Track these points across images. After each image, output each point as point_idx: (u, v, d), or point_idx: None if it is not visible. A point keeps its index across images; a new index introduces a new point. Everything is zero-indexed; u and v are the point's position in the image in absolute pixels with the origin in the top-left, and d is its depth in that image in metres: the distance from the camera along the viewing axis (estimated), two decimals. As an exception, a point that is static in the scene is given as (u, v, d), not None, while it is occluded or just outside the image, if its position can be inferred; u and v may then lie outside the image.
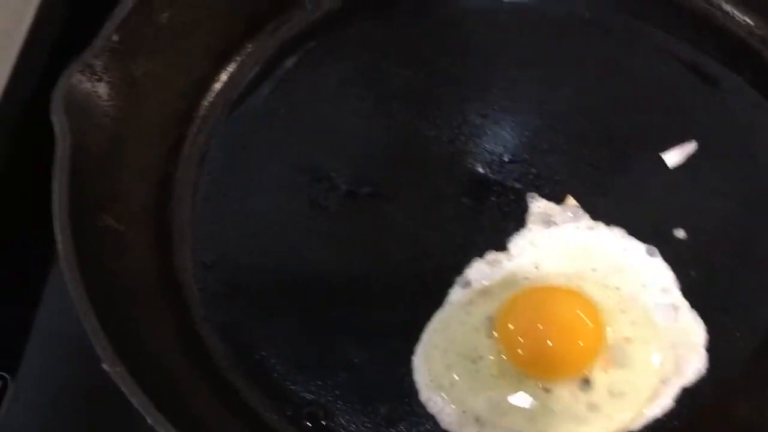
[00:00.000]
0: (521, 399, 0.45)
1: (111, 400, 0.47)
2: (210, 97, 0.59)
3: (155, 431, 0.39)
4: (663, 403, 0.46)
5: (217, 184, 0.56)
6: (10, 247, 0.56)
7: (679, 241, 0.51)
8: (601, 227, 0.51)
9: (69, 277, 0.41)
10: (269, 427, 0.47)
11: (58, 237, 0.43)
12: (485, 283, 0.50)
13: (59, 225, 0.43)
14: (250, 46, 0.61)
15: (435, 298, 0.50)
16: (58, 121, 0.47)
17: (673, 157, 0.54)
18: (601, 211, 0.52)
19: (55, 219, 0.43)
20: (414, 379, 0.47)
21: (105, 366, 0.39)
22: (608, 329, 0.47)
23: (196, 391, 0.45)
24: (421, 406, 0.46)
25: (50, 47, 0.60)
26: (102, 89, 0.50)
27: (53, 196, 0.44)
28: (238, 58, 0.61)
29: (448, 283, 0.50)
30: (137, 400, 0.38)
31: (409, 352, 0.48)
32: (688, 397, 0.46)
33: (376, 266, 0.52)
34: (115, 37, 0.51)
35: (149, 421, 0.38)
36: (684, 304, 0.48)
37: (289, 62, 0.61)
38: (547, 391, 0.45)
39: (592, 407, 0.45)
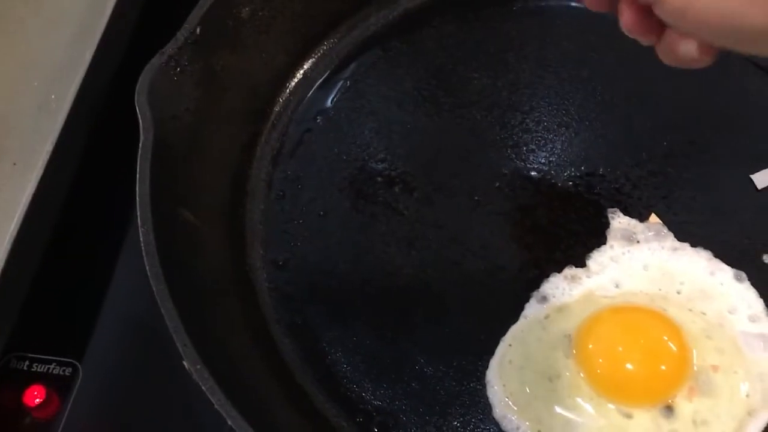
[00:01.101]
0: (600, 423, 0.44)
1: (177, 387, 0.48)
2: (285, 94, 0.59)
3: (218, 418, 0.38)
4: (749, 436, 0.44)
5: (290, 182, 0.55)
6: (79, 236, 0.56)
7: (768, 266, 0.49)
8: (686, 248, 0.49)
9: (151, 273, 0.41)
10: (340, 434, 0.46)
11: (141, 229, 0.42)
12: (563, 298, 0.48)
13: (142, 217, 0.43)
14: (326, 44, 0.61)
15: (510, 312, 0.48)
16: (143, 112, 0.46)
17: (763, 178, 0.52)
18: (686, 231, 0.50)
19: (138, 210, 0.43)
20: (488, 394, 0.46)
21: (186, 364, 0.39)
22: (694, 356, 0.45)
23: (270, 393, 0.45)
24: (495, 423, 0.45)
25: (129, 39, 0.60)
26: (184, 82, 0.50)
27: (137, 187, 0.44)
28: (314, 56, 0.60)
29: (524, 297, 0.49)
30: (217, 399, 0.38)
31: (483, 365, 0.47)
32: (775, 430, 0.45)
33: (450, 275, 0.51)
34: (198, 30, 0.51)
35: (230, 422, 0.37)
36: (773, 334, 0.46)
37: (365, 61, 0.61)
38: (627, 416, 0.44)
39: (674, 437, 0.43)
